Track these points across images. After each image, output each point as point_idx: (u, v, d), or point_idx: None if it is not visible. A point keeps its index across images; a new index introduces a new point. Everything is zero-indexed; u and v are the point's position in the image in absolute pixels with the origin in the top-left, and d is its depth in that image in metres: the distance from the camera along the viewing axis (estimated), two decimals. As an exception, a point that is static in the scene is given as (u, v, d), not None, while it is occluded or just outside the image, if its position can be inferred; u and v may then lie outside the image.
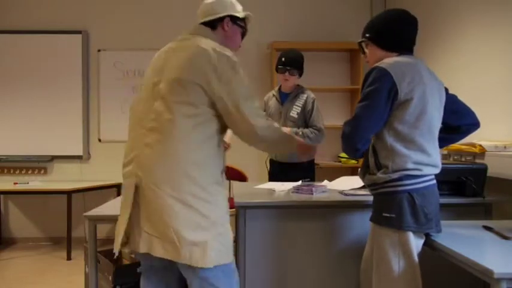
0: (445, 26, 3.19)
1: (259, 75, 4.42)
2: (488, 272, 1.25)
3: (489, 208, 2.15)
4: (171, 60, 1.57)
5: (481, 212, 2.14)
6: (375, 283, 1.64)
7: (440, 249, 1.54)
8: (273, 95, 3.14)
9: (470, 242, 1.55)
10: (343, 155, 4.16)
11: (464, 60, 2.93)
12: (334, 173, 3.52)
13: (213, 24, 1.69)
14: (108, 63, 4.43)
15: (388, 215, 1.58)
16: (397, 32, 1.65)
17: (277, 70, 3.00)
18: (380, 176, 1.59)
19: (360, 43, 1.78)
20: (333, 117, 4.39)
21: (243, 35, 1.84)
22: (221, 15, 1.69)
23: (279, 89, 3.11)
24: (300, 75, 3.02)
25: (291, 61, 2.93)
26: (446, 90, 1.78)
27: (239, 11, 1.75)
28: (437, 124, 1.65)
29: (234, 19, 1.73)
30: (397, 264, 1.57)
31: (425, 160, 1.56)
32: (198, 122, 1.50)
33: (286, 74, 2.94)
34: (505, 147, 2.25)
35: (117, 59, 4.43)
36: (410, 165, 1.54)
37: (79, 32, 4.38)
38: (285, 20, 4.48)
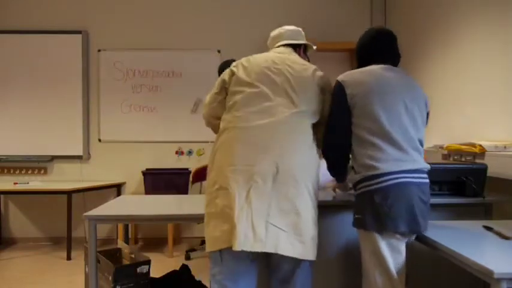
0: (445, 27, 3.19)
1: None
2: (488, 272, 1.25)
3: (489, 208, 2.15)
4: (291, 72, 1.78)
5: (481, 212, 2.14)
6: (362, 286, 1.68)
7: (440, 249, 1.54)
8: None
9: (470, 242, 1.55)
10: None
11: (464, 61, 2.93)
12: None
13: (294, 47, 1.98)
14: (108, 63, 4.43)
15: (357, 216, 1.65)
16: (360, 49, 1.83)
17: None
18: (354, 177, 1.69)
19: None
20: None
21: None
22: (303, 42, 2.02)
23: None
24: None
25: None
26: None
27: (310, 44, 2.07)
28: (400, 125, 1.62)
29: (306, 48, 2.07)
30: (372, 267, 1.60)
31: (381, 156, 1.59)
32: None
33: None
34: (505, 147, 2.25)
35: (117, 59, 4.43)
36: (367, 161, 1.61)
37: (79, 32, 4.38)
38: (285, 20, 4.47)
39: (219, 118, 1.85)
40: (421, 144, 1.69)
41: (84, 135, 4.40)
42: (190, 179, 4.13)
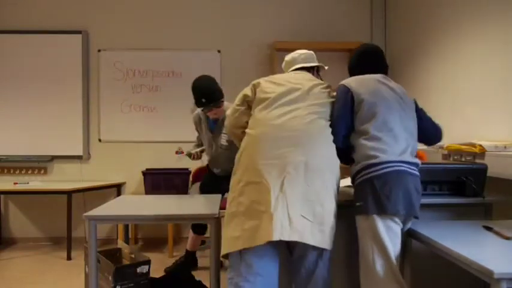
0: (445, 27, 3.19)
1: (259, 76, 4.40)
2: (488, 272, 1.25)
3: (489, 208, 2.14)
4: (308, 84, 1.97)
5: (481, 212, 2.14)
6: (360, 274, 1.75)
7: (440, 249, 1.54)
8: (202, 120, 3.15)
9: (470, 242, 1.55)
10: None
11: (464, 61, 2.93)
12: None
13: (308, 69, 2.17)
14: (108, 63, 4.43)
15: (358, 203, 1.75)
16: (353, 64, 2.11)
17: (200, 107, 2.93)
18: (352, 169, 1.83)
19: None
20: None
21: None
22: (316, 64, 2.21)
23: (207, 116, 3.05)
24: (223, 96, 2.93)
25: (211, 97, 2.83)
26: (416, 104, 2.00)
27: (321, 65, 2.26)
28: (396, 122, 1.80)
29: (318, 69, 2.25)
30: (371, 251, 1.68)
31: (381, 146, 1.74)
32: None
33: (213, 110, 2.90)
34: (505, 147, 2.25)
35: (117, 59, 4.43)
36: (368, 152, 1.75)
37: (79, 32, 4.38)
38: (286, 20, 4.48)
39: (242, 127, 1.96)
40: (415, 143, 1.87)
41: (84, 135, 4.40)
42: (190, 179, 4.13)
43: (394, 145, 1.75)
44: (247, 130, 1.88)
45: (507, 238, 1.59)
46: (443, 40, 3.21)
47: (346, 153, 1.89)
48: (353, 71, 2.09)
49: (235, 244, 1.67)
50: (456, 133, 2.96)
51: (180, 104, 4.42)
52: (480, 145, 2.30)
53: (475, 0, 2.81)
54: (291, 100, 1.86)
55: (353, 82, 1.92)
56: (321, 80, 2.14)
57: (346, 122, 1.87)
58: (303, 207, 1.65)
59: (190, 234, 3.37)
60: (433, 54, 3.38)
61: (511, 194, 2.18)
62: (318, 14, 4.49)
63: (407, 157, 1.76)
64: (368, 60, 2.06)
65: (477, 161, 2.31)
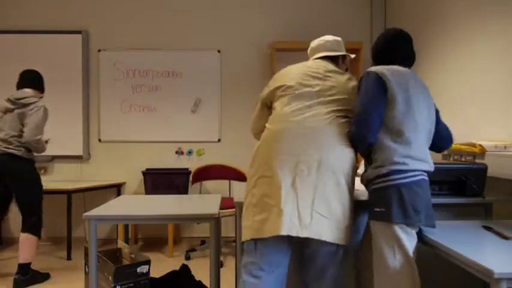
0: (445, 26, 3.19)
1: (259, 75, 4.42)
2: (488, 272, 1.25)
3: (489, 208, 2.15)
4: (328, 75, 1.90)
5: (481, 212, 2.14)
6: (375, 279, 1.68)
7: (441, 249, 1.54)
8: None
9: (470, 242, 1.55)
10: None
11: (464, 60, 2.93)
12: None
13: (333, 58, 2.05)
14: (108, 63, 4.43)
15: (379, 209, 1.67)
16: (379, 51, 1.86)
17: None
18: (370, 171, 1.70)
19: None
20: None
21: (346, 70, 2.14)
22: (343, 53, 2.07)
23: None
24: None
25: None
26: (436, 109, 1.88)
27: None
28: (424, 126, 1.72)
29: (344, 58, 2.11)
30: (392, 258, 1.62)
31: (412, 154, 1.64)
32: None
33: None
34: (505, 147, 2.25)
35: (117, 59, 4.43)
36: (397, 159, 1.64)
37: (79, 32, 4.38)
38: (285, 20, 4.48)
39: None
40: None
41: (84, 135, 4.40)
42: (190, 179, 4.14)
43: (420, 152, 1.68)
44: (267, 125, 1.87)
45: (507, 238, 1.59)
46: (443, 40, 3.21)
47: (370, 151, 1.76)
48: (381, 57, 1.86)
49: (246, 234, 1.74)
50: (456, 133, 2.96)
51: (180, 104, 4.42)
52: (480, 145, 2.30)
53: (475, 1, 2.81)
54: (311, 95, 1.82)
55: (387, 72, 1.71)
56: (347, 69, 2.07)
57: (380, 115, 1.68)
58: (318, 203, 1.65)
59: (27, 240, 3.07)
60: (432, 54, 3.38)
61: (511, 194, 2.18)
62: (318, 14, 4.49)
63: (427, 166, 1.69)
64: (401, 46, 1.83)
65: (477, 161, 2.31)
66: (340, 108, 1.80)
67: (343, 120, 1.80)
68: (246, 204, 1.80)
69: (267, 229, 1.66)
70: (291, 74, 1.91)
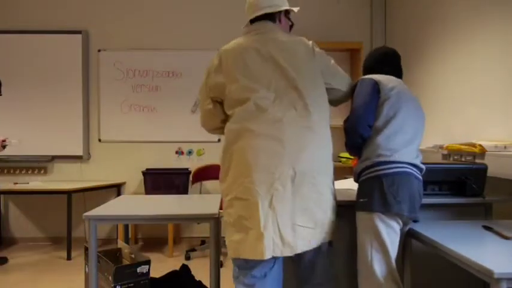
0: (445, 26, 3.19)
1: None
2: (488, 272, 1.25)
3: (489, 208, 2.14)
4: (285, 56, 1.68)
5: (481, 212, 2.14)
6: (358, 270, 1.75)
7: (441, 249, 1.54)
8: None
9: (470, 242, 1.55)
10: (344, 154, 4.15)
11: (464, 61, 2.93)
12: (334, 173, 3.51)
13: (273, 16, 1.83)
14: (108, 63, 4.43)
15: (362, 200, 1.74)
16: (371, 63, 2.00)
17: None
18: (358, 165, 1.79)
19: None
20: (333, 116, 4.37)
21: (291, 28, 1.97)
22: (282, 8, 1.82)
23: None
24: None
25: None
26: None
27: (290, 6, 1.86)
28: (412, 124, 1.78)
29: (287, 13, 1.89)
30: (369, 247, 1.69)
31: (396, 147, 1.71)
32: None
33: None
34: (505, 147, 2.25)
35: (117, 59, 4.43)
36: (381, 151, 1.71)
37: (79, 32, 4.39)
38: (285, 20, 4.48)
39: (221, 123, 1.81)
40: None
41: (84, 135, 4.40)
42: (190, 179, 4.14)
43: (407, 148, 1.73)
44: (228, 135, 1.70)
45: (507, 238, 1.59)
46: (443, 40, 3.21)
47: (361, 146, 1.81)
48: (370, 71, 1.98)
49: (229, 251, 1.70)
50: (456, 133, 2.96)
51: (180, 104, 4.42)
52: (480, 145, 2.30)
53: (475, 1, 2.81)
54: (266, 98, 1.63)
55: (379, 77, 1.84)
56: (292, 25, 1.88)
57: (373, 110, 1.77)
58: (298, 216, 1.60)
59: None
60: (432, 54, 3.38)
61: (511, 194, 2.18)
62: (317, 14, 4.49)
63: (417, 161, 1.76)
64: (389, 62, 1.98)
65: (477, 161, 2.31)
66: (307, 102, 1.64)
67: (314, 113, 1.66)
68: (224, 221, 1.76)
69: (245, 250, 1.61)
70: (236, 66, 1.71)
